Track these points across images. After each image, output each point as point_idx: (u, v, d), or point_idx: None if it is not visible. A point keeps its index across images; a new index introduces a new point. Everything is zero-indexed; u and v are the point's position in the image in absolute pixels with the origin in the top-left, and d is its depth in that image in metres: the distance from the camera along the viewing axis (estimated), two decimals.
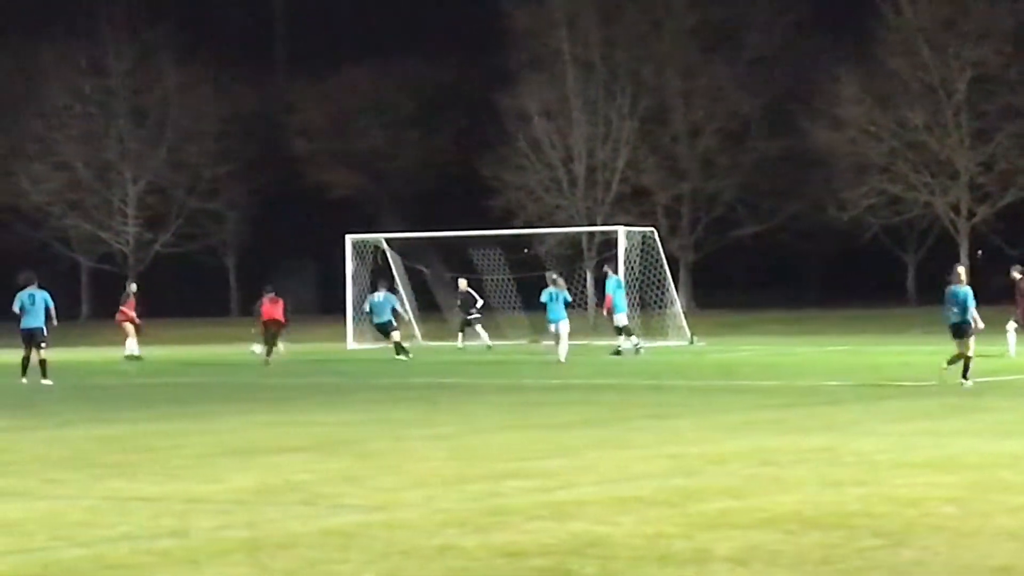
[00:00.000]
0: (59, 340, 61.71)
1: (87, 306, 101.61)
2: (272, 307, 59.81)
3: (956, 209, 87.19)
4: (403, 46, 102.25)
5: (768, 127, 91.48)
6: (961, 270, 37.62)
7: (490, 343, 61.29)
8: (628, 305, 55.26)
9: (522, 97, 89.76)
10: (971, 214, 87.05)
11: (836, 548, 14.42)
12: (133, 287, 64.73)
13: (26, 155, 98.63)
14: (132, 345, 62.56)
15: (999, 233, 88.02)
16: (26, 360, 45.20)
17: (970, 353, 35.28)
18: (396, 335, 58.41)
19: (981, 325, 36.61)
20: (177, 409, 34.03)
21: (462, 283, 62.61)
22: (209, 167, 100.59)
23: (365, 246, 65.04)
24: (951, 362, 35.80)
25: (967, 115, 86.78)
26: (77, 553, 15.25)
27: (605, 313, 55.46)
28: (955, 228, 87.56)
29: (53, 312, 46.92)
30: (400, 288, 63.88)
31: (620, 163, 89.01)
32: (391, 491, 19.24)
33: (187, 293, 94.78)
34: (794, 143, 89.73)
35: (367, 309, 60.18)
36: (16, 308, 46.45)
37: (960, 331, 36.24)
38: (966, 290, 36.63)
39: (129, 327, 63.16)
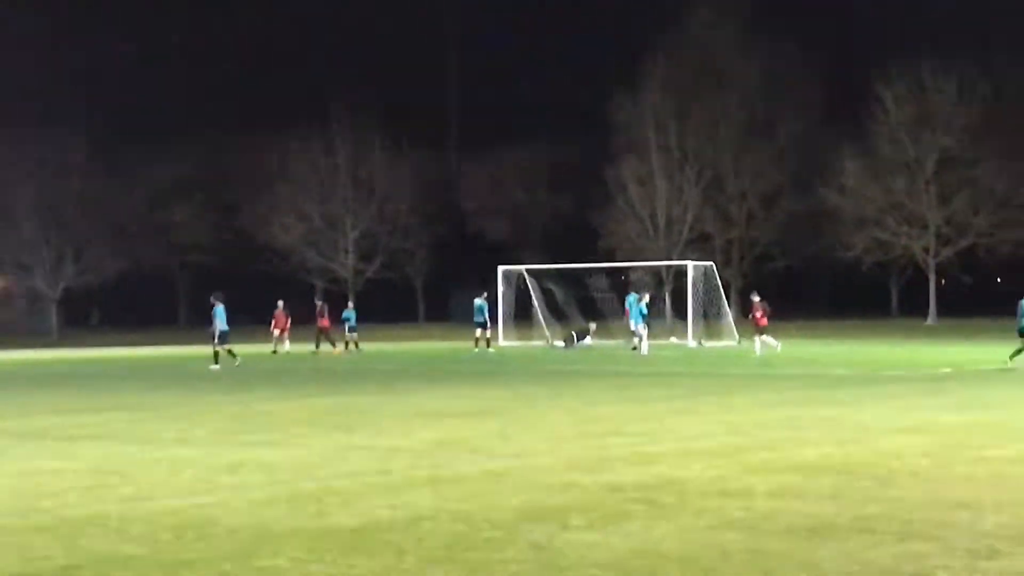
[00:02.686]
0: (299, 338, 61.96)
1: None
2: (325, 317, 60.33)
3: (927, 251, 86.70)
4: (539, 130, 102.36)
5: (794, 192, 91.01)
6: None
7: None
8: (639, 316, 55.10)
9: (621, 170, 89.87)
10: (937, 254, 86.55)
11: (842, 487, 14.43)
12: None
13: (279, 210, 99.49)
14: None
15: (956, 268, 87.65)
16: (217, 353, 46.01)
17: None
18: (485, 332, 59.10)
19: None
20: (382, 386, 34.32)
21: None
22: (404, 218, 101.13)
23: (511, 274, 64.97)
24: (1013, 356, 35.36)
25: (934, 185, 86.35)
26: (311, 485, 15.42)
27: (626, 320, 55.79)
28: (925, 264, 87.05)
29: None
30: (536, 303, 63.81)
31: (689, 217, 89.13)
32: (529, 444, 19.42)
33: (389, 307, 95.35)
34: (812, 204, 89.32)
35: (478, 310, 59.71)
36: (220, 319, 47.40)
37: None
38: None
39: None
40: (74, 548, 11.68)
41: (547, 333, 62.22)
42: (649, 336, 53.41)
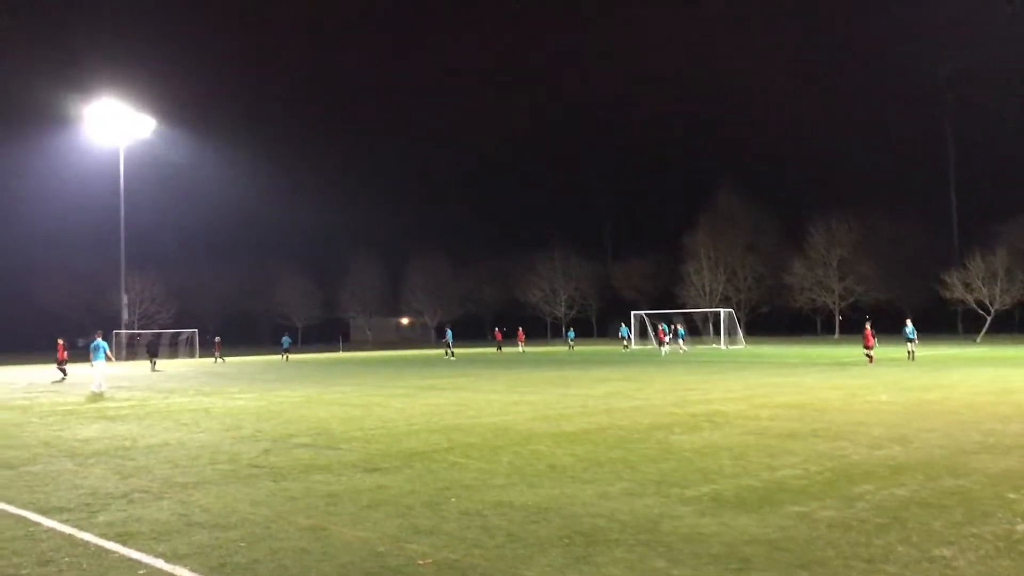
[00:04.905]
0: (540, 344, 61.33)
1: (554, 336, 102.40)
2: (499, 334, 59.04)
3: (834, 303, 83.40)
4: (645, 249, 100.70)
5: (768, 277, 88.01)
6: (908, 322, 35.16)
7: (667, 349, 56.92)
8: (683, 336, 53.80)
9: (687, 267, 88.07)
10: (839, 305, 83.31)
11: (801, 415, 13.94)
12: None
13: (529, 286, 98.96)
14: None
15: (848, 311, 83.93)
16: (446, 351, 47.70)
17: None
18: (627, 342, 57.25)
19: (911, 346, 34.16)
20: (581, 366, 33.46)
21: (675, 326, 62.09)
22: (586, 289, 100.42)
23: (638, 315, 64.03)
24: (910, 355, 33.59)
25: (836, 272, 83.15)
26: (551, 412, 15.39)
27: (669, 339, 53.31)
28: (834, 310, 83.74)
29: (450, 338, 48.96)
30: (648, 328, 62.76)
31: (719, 289, 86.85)
32: (651, 394, 19.06)
33: (580, 329, 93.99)
34: (779, 282, 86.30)
35: (623, 332, 58.65)
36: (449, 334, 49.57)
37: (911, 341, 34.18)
38: (912, 328, 34.42)
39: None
40: (449, 439, 11.88)
41: (654, 343, 61.32)
42: (700, 343, 52.43)
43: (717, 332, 63.05)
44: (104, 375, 25.41)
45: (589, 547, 6.08)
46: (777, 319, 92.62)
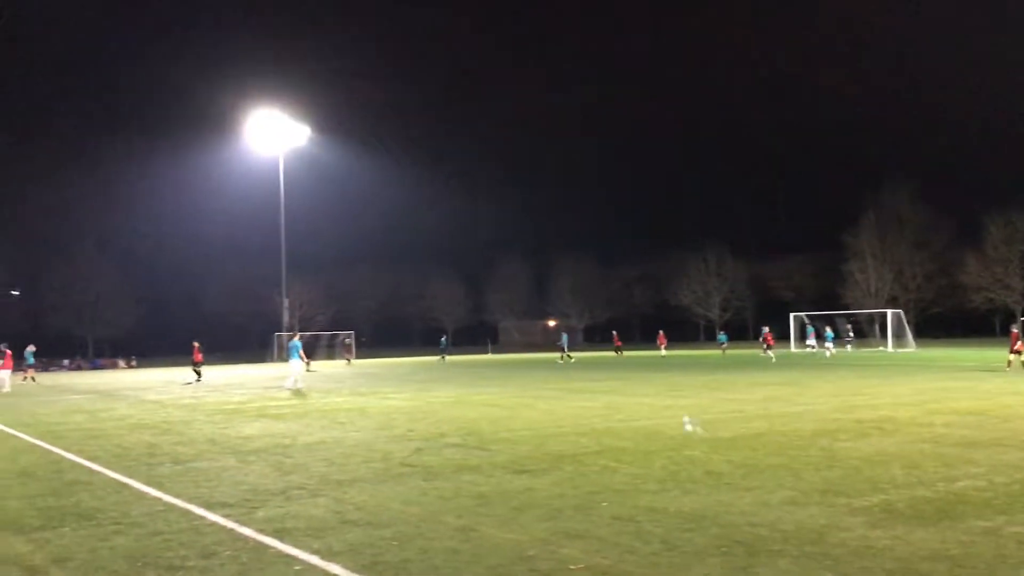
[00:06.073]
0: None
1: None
2: (617, 338, 55.42)
3: (1015, 303, 77.80)
4: (804, 248, 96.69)
5: (939, 275, 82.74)
6: None
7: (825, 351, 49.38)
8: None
9: (850, 266, 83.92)
10: (1020, 303, 77.64)
11: (981, 422, 13.07)
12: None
13: (681, 287, 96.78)
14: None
15: None
16: (562, 356, 44.19)
17: None
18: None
19: None
20: (734, 371, 32.39)
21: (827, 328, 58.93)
22: (740, 290, 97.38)
23: (798, 318, 61.49)
24: None
25: (1018, 270, 77.62)
26: (708, 416, 14.82)
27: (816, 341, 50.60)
28: (1014, 310, 77.82)
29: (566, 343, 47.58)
30: (808, 327, 59.78)
31: (886, 288, 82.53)
32: (812, 398, 18.33)
33: (735, 332, 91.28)
34: (951, 281, 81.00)
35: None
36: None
37: None
38: None
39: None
40: (599, 442, 11.75)
41: (812, 345, 58.88)
42: (865, 346, 49.69)
43: (884, 334, 59.97)
44: (298, 373, 26.50)
45: (750, 557, 5.81)
46: (950, 320, 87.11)
